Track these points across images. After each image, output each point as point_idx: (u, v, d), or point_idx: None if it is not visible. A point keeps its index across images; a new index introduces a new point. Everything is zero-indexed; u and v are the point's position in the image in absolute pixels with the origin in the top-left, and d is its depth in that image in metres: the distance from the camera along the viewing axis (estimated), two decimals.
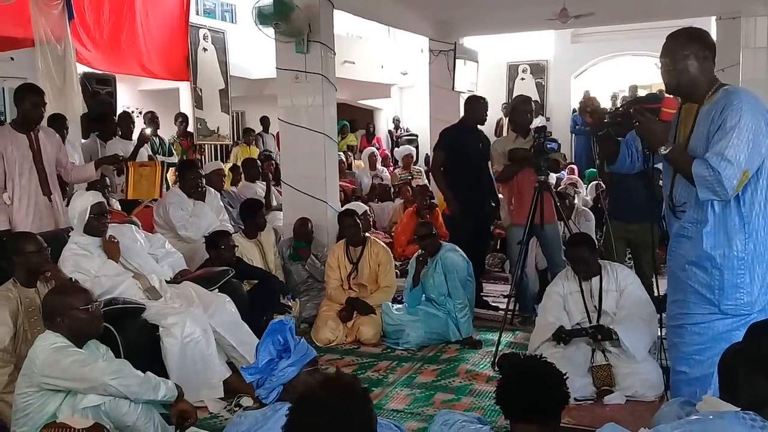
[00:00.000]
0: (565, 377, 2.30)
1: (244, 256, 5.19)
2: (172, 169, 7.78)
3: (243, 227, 5.61)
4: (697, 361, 2.72)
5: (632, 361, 3.82)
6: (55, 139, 4.64)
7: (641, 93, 12.24)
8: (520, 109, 5.35)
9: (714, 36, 8.57)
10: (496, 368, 4.30)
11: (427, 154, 10.48)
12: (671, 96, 2.88)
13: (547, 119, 13.54)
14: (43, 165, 4.45)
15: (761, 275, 2.68)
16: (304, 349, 2.65)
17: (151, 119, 7.98)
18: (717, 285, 2.70)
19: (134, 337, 3.61)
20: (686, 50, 2.70)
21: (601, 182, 6.57)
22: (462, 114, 6.01)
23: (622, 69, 15.23)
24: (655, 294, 4.27)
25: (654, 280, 4.53)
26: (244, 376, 2.68)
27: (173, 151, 8.02)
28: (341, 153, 9.68)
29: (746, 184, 2.62)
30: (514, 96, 14.56)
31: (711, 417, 1.95)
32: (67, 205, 4.30)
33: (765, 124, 2.59)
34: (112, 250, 3.98)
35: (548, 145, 4.60)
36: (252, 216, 5.50)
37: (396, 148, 12.23)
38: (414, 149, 11.18)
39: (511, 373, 2.32)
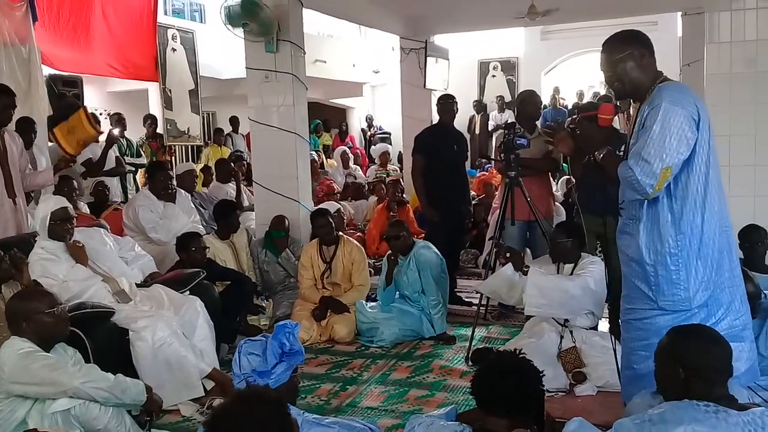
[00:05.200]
0: (542, 374, 2.33)
1: (217, 257, 5.16)
2: (141, 171, 7.71)
3: (215, 228, 5.57)
4: (643, 357, 2.71)
5: (603, 350, 3.87)
6: (19, 142, 4.56)
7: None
8: (528, 101, 5.38)
9: (679, 32, 8.75)
10: (470, 363, 4.33)
11: (400, 151, 10.51)
12: (608, 102, 2.94)
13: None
14: (9, 167, 4.37)
15: (699, 271, 2.67)
16: (302, 352, 2.70)
17: (118, 120, 7.89)
18: (653, 281, 2.71)
19: (104, 341, 3.56)
20: (620, 53, 2.74)
21: (572, 177, 6.63)
22: (435, 113, 6.04)
23: (591, 65, 15.38)
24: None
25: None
26: (235, 379, 2.66)
27: (141, 152, 7.94)
28: (313, 152, 9.66)
29: (677, 180, 2.64)
30: (485, 93, 14.78)
31: (669, 406, 2.06)
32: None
33: (691, 119, 2.58)
34: (78, 254, 3.92)
35: (518, 141, 4.64)
36: (226, 217, 5.48)
37: (373, 146, 12.25)
38: (390, 147, 11.20)
39: (489, 366, 2.35)
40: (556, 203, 6.93)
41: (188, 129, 8.76)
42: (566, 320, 4.03)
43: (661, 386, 2.28)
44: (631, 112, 11.71)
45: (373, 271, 6.02)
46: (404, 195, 7.90)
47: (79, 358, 3.14)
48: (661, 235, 2.68)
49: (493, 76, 14.98)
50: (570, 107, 13.80)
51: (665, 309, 2.70)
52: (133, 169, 7.60)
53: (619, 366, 3.06)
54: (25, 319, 2.93)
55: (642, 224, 2.72)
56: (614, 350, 3.27)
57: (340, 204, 7.11)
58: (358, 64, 14.24)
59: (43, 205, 3.99)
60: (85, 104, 6.12)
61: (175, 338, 3.74)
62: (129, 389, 2.95)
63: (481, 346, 4.57)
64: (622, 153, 2.90)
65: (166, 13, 10.33)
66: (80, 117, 5.01)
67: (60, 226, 3.90)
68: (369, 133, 15.07)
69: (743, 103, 4.92)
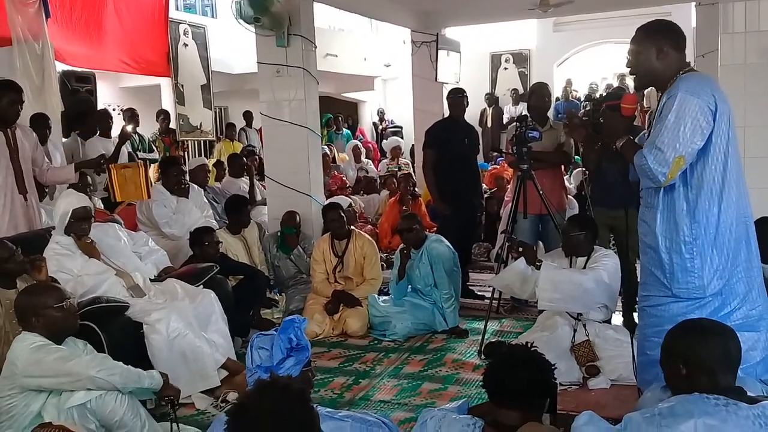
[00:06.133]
0: (553, 367, 2.32)
1: (228, 251, 5.18)
2: (154, 166, 7.74)
3: (227, 223, 5.60)
4: (656, 344, 2.66)
5: (617, 343, 3.86)
6: (33, 137, 4.56)
7: (628, 80, 12.29)
8: (539, 94, 5.42)
9: (693, 22, 8.65)
10: (483, 357, 4.33)
11: (412, 145, 10.50)
12: (630, 92, 2.95)
13: None
14: (20, 163, 4.38)
15: (714, 260, 2.67)
16: (308, 347, 2.70)
17: (131, 116, 7.94)
18: (668, 269, 2.73)
19: (118, 335, 3.58)
20: (641, 45, 2.77)
21: (585, 169, 6.60)
22: (447, 107, 6.04)
23: (604, 57, 15.29)
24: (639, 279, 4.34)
25: (637, 265, 4.61)
26: (248, 373, 2.68)
27: (153, 147, 7.97)
28: (325, 146, 9.67)
29: (693, 169, 2.65)
30: (497, 86, 14.71)
31: (679, 400, 2.05)
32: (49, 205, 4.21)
33: (707, 109, 2.59)
34: (88, 250, 3.94)
35: (530, 134, 4.63)
36: (236, 212, 5.51)
37: (384, 140, 12.24)
38: (401, 141, 11.19)
39: (501, 359, 2.35)
40: (568, 196, 6.90)
41: (200, 124, 8.78)
42: (579, 314, 4.02)
43: (668, 383, 2.28)
44: (645, 104, 11.65)
45: (385, 265, 6.02)
46: (416, 189, 7.90)
47: (90, 349, 3.15)
48: (677, 223, 2.69)
49: (505, 68, 14.90)
50: (582, 99, 13.71)
51: (679, 296, 2.72)
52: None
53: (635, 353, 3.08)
54: (34, 314, 2.94)
55: (658, 212, 2.74)
56: (632, 343, 3.27)
57: (351, 198, 7.11)
58: (370, 57, 14.22)
59: (64, 200, 4.01)
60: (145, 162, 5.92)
61: (189, 329, 3.76)
62: (143, 375, 3.00)
63: (493, 340, 4.56)
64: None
65: (177, 9, 10.34)
66: (139, 174, 4.93)
67: (78, 225, 3.94)
68: (380, 127, 15.05)
69: (757, 94, 4.86)
